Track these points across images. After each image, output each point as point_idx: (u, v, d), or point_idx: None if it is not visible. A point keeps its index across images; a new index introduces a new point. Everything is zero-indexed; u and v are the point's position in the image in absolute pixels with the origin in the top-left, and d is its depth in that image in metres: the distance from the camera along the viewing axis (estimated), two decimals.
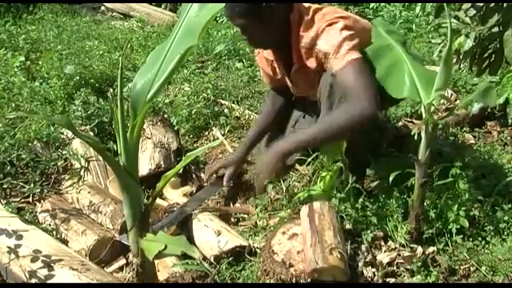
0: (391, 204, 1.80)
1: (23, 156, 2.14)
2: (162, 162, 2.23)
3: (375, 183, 1.94)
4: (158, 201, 1.99)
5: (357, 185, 1.81)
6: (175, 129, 2.54)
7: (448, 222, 1.74)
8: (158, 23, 4.23)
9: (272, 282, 1.54)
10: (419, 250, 1.67)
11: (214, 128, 2.53)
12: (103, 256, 1.76)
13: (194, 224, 1.86)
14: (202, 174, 2.28)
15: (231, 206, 2.10)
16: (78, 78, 2.78)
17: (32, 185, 2.07)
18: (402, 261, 1.65)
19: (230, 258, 1.69)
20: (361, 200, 1.80)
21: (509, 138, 2.40)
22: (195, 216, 1.89)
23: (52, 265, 1.59)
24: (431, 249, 1.69)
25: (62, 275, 1.56)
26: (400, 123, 2.54)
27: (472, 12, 2.12)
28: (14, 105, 2.56)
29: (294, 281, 1.53)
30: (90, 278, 1.56)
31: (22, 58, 3.02)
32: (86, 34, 3.84)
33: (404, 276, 1.63)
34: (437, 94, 1.56)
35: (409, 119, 2.57)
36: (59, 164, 2.20)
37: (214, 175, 2.17)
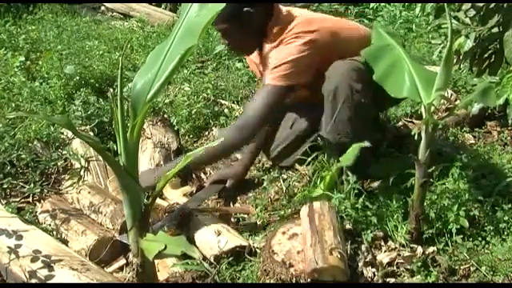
0: (391, 204, 1.81)
1: (23, 156, 2.14)
2: (162, 162, 2.23)
3: (375, 183, 1.94)
4: (158, 201, 1.98)
5: (357, 185, 1.81)
6: (175, 129, 2.54)
7: (448, 222, 1.74)
8: (158, 23, 4.23)
9: (272, 281, 1.54)
10: (419, 250, 1.67)
11: (213, 128, 2.53)
12: (103, 256, 1.75)
13: (194, 224, 1.85)
14: (202, 174, 2.28)
15: (231, 205, 2.10)
16: (78, 78, 2.78)
17: (32, 185, 2.07)
18: (401, 261, 1.65)
19: (230, 258, 1.69)
20: (361, 200, 1.80)
21: (509, 138, 2.40)
22: (195, 216, 1.89)
23: (52, 265, 1.59)
24: (431, 249, 1.69)
25: (62, 275, 1.56)
26: (400, 123, 2.54)
27: (472, 13, 2.12)
28: (13, 105, 2.56)
29: (294, 281, 1.53)
30: (90, 278, 1.55)
31: (22, 58, 3.02)
32: (86, 34, 3.83)
33: (404, 276, 1.63)
34: (437, 94, 1.56)
35: (409, 119, 2.57)
36: (59, 164, 2.20)
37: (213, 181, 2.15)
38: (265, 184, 2.07)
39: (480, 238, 1.74)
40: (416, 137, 1.62)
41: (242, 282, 1.63)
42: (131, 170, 1.32)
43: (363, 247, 1.69)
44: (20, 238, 1.68)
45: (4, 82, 2.77)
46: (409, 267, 1.63)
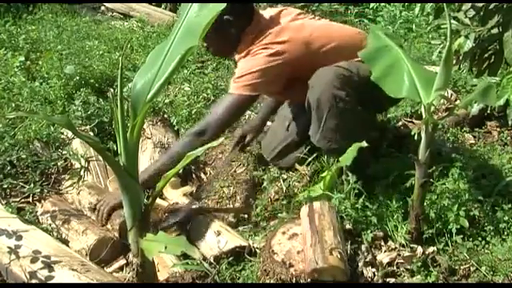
0: (391, 204, 1.81)
1: (23, 156, 2.14)
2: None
3: (375, 183, 1.94)
4: (158, 200, 1.98)
5: (357, 185, 1.81)
6: (175, 129, 2.54)
7: (448, 222, 1.74)
8: (158, 23, 4.23)
9: (272, 281, 1.55)
10: (419, 250, 1.67)
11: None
12: (103, 256, 1.75)
13: (194, 224, 1.85)
14: (202, 174, 2.28)
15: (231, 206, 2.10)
16: (78, 77, 2.78)
17: (32, 185, 2.06)
18: (402, 261, 1.65)
19: (230, 258, 1.69)
20: (361, 200, 1.80)
21: (509, 138, 2.40)
22: (195, 216, 1.89)
23: (52, 265, 1.59)
24: (431, 249, 1.69)
25: (62, 275, 1.56)
26: (400, 123, 2.54)
27: (471, 13, 2.12)
28: (13, 105, 2.56)
29: (294, 281, 1.53)
30: (90, 278, 1.55)
31: (22, 58, 3.02)
32: (86, 34, 3.83)
33: (404, 276, 1.63)
34: (437, 94, 1.56)
35: (409, 119, 2.57)
36: (59, 164, 2.20)
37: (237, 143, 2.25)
38: (265, 184, 2.07)
39: (480, 238, 1.74)
40: (416, 137, 1.62)
41: (242, 282, 1.63)
42: (131, 170, 1.32)
43: (363, 247, 1.69)
44: (20, 238, 1.68)
45: (4, 82, 2.77)
46: (409, 267, 1.63)
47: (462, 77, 2.81)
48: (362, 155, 1.65)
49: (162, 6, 4.78)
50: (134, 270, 1.38)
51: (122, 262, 1.78)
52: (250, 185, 2.15)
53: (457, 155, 1.98)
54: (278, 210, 1.94)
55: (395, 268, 1.65)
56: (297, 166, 2.13)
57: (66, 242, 1.79)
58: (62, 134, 2.36)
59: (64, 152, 2.25)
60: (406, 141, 2.19)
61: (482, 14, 2.10)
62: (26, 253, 1.63)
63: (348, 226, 1.75)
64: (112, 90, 2.72)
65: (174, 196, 2.11)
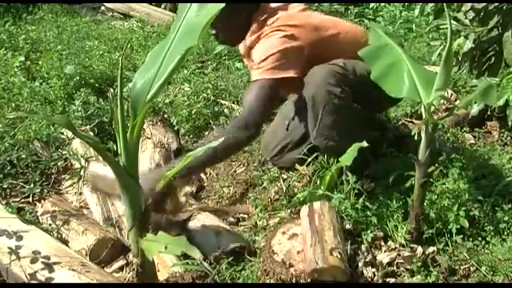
0: (391, 204, 1.81)
1: (23, 156, 2.14)
2: (161, 162, 2.23)
3: (375, 183, 1.94)
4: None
5: (357, 185, 1.81)
6: (175, 129, 2.54)
7: (448, 222, 1.74)
8: (158, 23, 4.23)
9: (272, 281, 1.54)
10: (419, 250, 1.67)
11: (214, 128, 2.53)
12: (103, 256, 1.75)
13: (194, 224, 1.85)
14: (202, 174, 2.28)
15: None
16: (78, 78, 2.78)
17: (32, 185, 2.07)
18: (402, 261, 1.65)
19: (230, 258, 1.69)
20: (361, 200, 1.80)
21: (509, 138, 2.40)
22: (195, 216, 1.89)
23: (52, 265, 1.59)
24: (431, 249, 1.69)
25: (62, 275, 1.56)
26: (400, 123, 2.54)
27: (471, 15, 2.12)
28: (14, 105, 2.56)
29: (294, 281, 1.53)
30: (90, 278, 1.55)
31: (22, 58, 3.02)
32: (86, 34, 3.83)
33: (404, 276, 1.63)
34: (437, 94, 1.56)
35: (409, 119, 2.57)
36: (59, 164, 2.20)
37: None
38: (265, 184, 2.07)
39: (480, 238, 1.74)
40: (416, 137, 1.62)
41: (242, 282, 1.63)
42: (131, 170, 1.32)
43: (363, 247, 1.69)
44: (20, 238, 1.69)
45: (4, 82, 2.77)
46: (409, 267, 1.63)
47: (461, 77, 2.81)
48: (360, 155, 1.65)
49: (162, 6, 4.78)
50: (133, 270, 1.38)
51: (122, 262, 1.78)
52: (249, 185, 2.15)
53: (457, 155, 1.98)
54: (278, 209, 1.94)
55: (395, 268, 1.64)
56: (297, 166, 2.13)
57: (66, 242, 1.79)
58: (62, 134, 2.36)
59: (64, 152, 2.25)
60: (406, 141, 2.19)
61: (481, 15, 2.10)
62: (26, 253, 1.63)
63: (348, 226, 1.75)
64: (112, 90, 2.72)
65: None
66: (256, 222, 1.91)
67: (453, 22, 2.10)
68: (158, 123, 2.51)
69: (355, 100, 1.87)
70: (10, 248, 1.64)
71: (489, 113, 2.54)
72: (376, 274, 1.62)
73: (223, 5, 1.29)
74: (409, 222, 1.72)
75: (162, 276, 1.64)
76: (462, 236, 1.73)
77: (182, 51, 1.28)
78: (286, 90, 2.16)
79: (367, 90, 1.69)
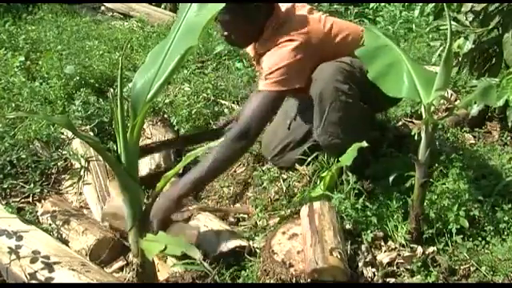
0: (391, 204, 1.81)
1: (23, 156, 2.14)
2: (162, 162, 2.23)
3: (375, 183, 1.94)
4: None
5: (357, 185, 1.81)
6: (175, 129, 2.54)
7: (448, 222, 1.74)
8: (158, 23, 4.23)
9: (272, 281, 1.54)
10: (419, 250, 1.67)
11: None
12: (103, 256, 1.75)
13: (194, 224, 1.85)
14: None
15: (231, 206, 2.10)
16: (78, 78, 2.79)
17: (32, 185, 2.07)
18: (402, 261, 1.65)
19: (230, 258, 1.69)
20: (361, 200, 1.80)
21: (509, 138, 2.40)
22: (195, 216, 1.89)
23: (52, 265, 1.59)
24: (431, 249, 1.69)
25: (62, 275, 1.56)
26: (400, 123, 2.54)
27: (471, 15, 2.12)
28: (14, 105, 2.56)
29: (294, 281, 1.53)
30: (90, 278, 1.55)
31: (22, 58, 3.02)
32: (86, 34, 3.83)
33: (404, 276, 1.63)
34: (437, 94, 1.56)
35: (409, 119, 2.57)
36: (59, 164, 2.20)
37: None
38: (265, 184, 2.07)
39: (480, 238, 1.74)
40: (416, 137, 1.62)
41: (242, 282, 1.63)
42: (131, 170, 1.32)
43: (363, 247, 1.69)
44: (20, 238, 1.69)
45: (4, 82, 2.77)
46: (409, 267, 1.63)
47: (461, 77, 2.81)
48: (361, 155, 1.65)
49: (162, 6, 4.79)
50: (133, 270, 1.38)
51: (122, 262, 1.78)
52: (250, 185, 2.15)
53: (457, 155, 1.98)
54: (277, 209, 1.94)
55: (395, 268, 1.64)
56: (297, 166, 2.13)
57: (66, 242, 1.79)
58: (62, 134, 2.36)
59: (64, 152, 2.25)
60: (406, 141, 2.19)
61: (481, 16, 2.10)
62: (26, 253, 1.63)
63: (348, 226, 1.75)
64: (112, 90, 2.72)
65: None
66: (256, 222, 1.91)
67: (453, 22, 2.10)
68: (158, 123, 2.51)
69: (361, 98, 1.87)
70: (9, 248, 1.64)
71: (489, 114, 2.54)
72: (376, 273, 1.62)
73: (223, 5, 1.29)
74: (409, 221, 1.72)
75: (162, 276, 1.64)
76: (462, 236, 1.73)
77: (182, 51, 1.28)
78: (291, 95, 2.17)
79: (371, 88, 1.69)
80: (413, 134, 1.63)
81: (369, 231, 1.73)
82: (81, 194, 2.09)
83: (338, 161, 1.76)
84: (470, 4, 2.16)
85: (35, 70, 3.03)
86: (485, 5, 2.11)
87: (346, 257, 1.58)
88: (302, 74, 1.87)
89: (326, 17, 2.01)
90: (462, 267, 1.65)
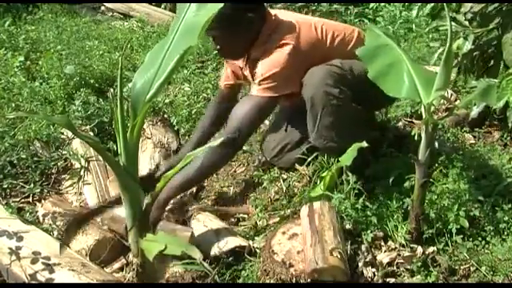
0: (391, 204, 1.80)
1: (23, 156, 2.14)
2: (161, 162, 2.23)
3: (375, 183, 1.94)
4: None
5: (357, 185, 1.81)
6: (175, 129, 2.54)
7: (448, 222, 1.74)
8: (158, 23, 4.23)
9: (272, 281, 1.54)
10: (419, 250, 1.67)
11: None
12: (103, 256, 1.75)
13: (194, 224, 1.85)
14: None
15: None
16: (78, 78, 2.79)
17: (32, 185, 2.07)
18: (402, 261, 1.65)
19: (230, 258, 1.69)
20: (361, 200, 1.79)
21: (509, 138, 2.40)
22: (195, 216, 1.89)
23: (52, 265, 1.59)
24: (431, 249, 1.69)
25: (62, 275, 1.56)
26: (400, 123, 2.54)
27: (470, 15, 2.12)
28: (14, 105, 2.56)
29: (294, 281, 1.53)
30: (90, 278, 1.56)
31: (22, 58, 3.02)
32: (86, 34, 3.83)
33: (404, 276, 1.63)
34: (437, 94, 1.56)
35: (409, 119, 2.57)
36: (59, 164, 2.21)
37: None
38: (265, 184, 2.07)
39: (480, 238, 1.74)
40: (416, 137, 1.62)
41: (242, 282, 1.63)
42: (131, 170, 1.33)
43: (363, 247, 1.69)
44: (20, 238, 1.69)
45: (4, 82, 2.77)
46: (409, 267, 1.63)
47: (461, 77, 2.80)
48: (360, 155, 1.65)
49: (162, 6, 4.78)
50: (133, 270, 1.38)
51: (122, 262, 1.78)
52: (249, 185, 2.15)
53: (457, 155, 1.98)
54: (278, 209, 1.94)
55: (395, 268, 1.64)
56: (297, 166, 2.13)
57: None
58: (62, 133, 2.36)
59: (64, 152, 2.25)
60: (406, 141, 2.18)
61: (478, 16, 2.10)
62: (26, 253, 1.63)
63: (348, 226, 1.75)
64: (112, 90, 2.72)
65: None
66: (256, 222, 1.91)
67: (452, 23, 2.10)
68: (158, 123, 2.51)
69: (354, 100, 1.87)
70: (10, 248, 1.64)
71: (489, 115, 2.52)
72: (376, 273, 1.61)
73: (221, 5, 1.29)
74: (409, 221, 1.72)
75: None
76: (462, 236, 1.73)
77: (181, 51, 1.28)
78: (284, 99, 2.17)
79: (365, 89, 1.69)
80: (413, 134, 1.63)
81: (369, 231, 1.73)
82: (81, 194, 2.09)
83: (338, 161, 1.76)
84: (469, 4, 2.15)
85: (35, 70, 3.03)
86: (483, 5, 2.11)
87: (346, 257, 1.58)
88: (295, 79, 1.87)
89: (316, 21, 2.00)
90: (462, 267, 1.65)
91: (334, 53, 1.92)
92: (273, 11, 1.99)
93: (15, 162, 2.13)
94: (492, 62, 2.20)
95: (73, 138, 2.33)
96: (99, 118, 2.46)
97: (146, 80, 1.32)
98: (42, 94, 2.69)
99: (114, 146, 2.16)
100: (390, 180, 1.90)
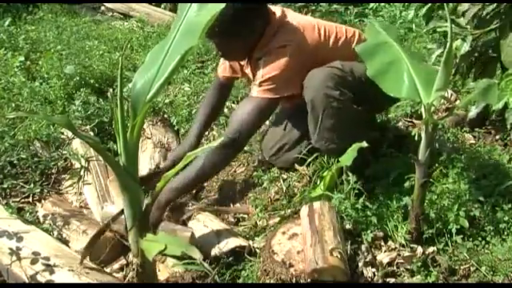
0: (391, 204, 1.81)
1: (23, 156, 2.14)
2: (161, 162, 2.23)
3: (375, 183, 1.94)
4: None
5: (357, 185, 1.81)
6: (175, 129, 2.54)
7: (448, 222, 1.74)
8: (158, 23, 4.23)
9: (272, 281, 1.54)
10: (419, 250, 1.67)
11: (214, 127, 2.53)
12: (103, 256, 1.75)
13: (194, 224, 1.85)
14: None
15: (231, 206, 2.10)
16: (78, 78, 2.78)
17: (32, 185, 2.07)
18: (402, 261, 1.65)
19: (230, 258, 1.69)
20: (361, 200, 1.80)
21: (509, 138, 2.40)
22: (195, 216, 1.89)
23: (52, 265, 1.59)
24: (431, 249, 1.69)
25: (62, 275, 1.56)
26: (400, 123, 2.54)
27: (468, 17, 2.11)
28: (14, 105, 2.56)
29: (294, 281, 1.53)
30: (90, 278, 1.56)
31: (22, 58, 3.02)
32: (86, 34, 3.83)
33: (404, 276, 1.63)
34: (437, 94, 1.55)
35: (409, 119, 2.57)
36: (59, 164, 2.20)
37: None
38: (265, 184, 2.07)
39: (480, 238, 1.74)
40: (416, 137, 1.62)
41: (242, 282, 1.63)
42: (131, 170, 1.32)
43: (363, 247, 1.69)
44: (20, 238, 1.69)
45: (4, 82, 2.77)
46: (409, 267, 1.63)
47: (459, 78, 2.80)
48: (361, 155, 1.65)
49: (162, 6, 4.78)
50: (133, 270, 1.38)
51: (122, 262, 1.78)
52: (249, 185, 2.15)
53: (457, 155, 1.98)
54: (278, 209, 1.94)
55: (395, 268, 1.64)
56: (297, 166, 2.13)
57: (66, 243, 1.79)
58: (62, 133, 2.36)
59: (64, 152, 2.25)
60: (406, 141, 2.18)
61: (475, 18, 2.09)
62: (26, 253, 1.63)
63: (348, 226, 1.75)
64: (112, 90, 2.72)
65: None
66: (256, 222, 1.91)
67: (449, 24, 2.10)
68: (158, 123, 2.51)
69: (355, 101, 1.87)
70: (10, 248, 1.64)
71: (488, 117, 2.52)
72: (376, 273, 1.62)
73: (223, 5, 1.28)
74: (409, 222, 1.72)
75: (162, 276, 1.64)
76: (462, 236, 1.73)
77: (182, 51, 1.28)
78: (285, 100, 2.17)
79: (366, 90, 1.69)
80: (413, 134, 1.63)
81: (369, 231, 1.73)
82: (81, 194, 2.09)
83: (338, 161, 1.76)
84: (467, 4, 2.15)
85: (35, 70, 3.03)
86: (480, 6, 2.10)
87: (346, 257, 1.58)
88: (297, 81, 1.87)
89: (319, 23, 2.00)
90: (462, 267, 1.65)
91: (336, 55, 1.92)
92: (275, 8, 1.98)
93: (15, 162, 2.13)
94: (489, 64, 2.20)
95: (73, 138, 2.33)
96: (99, 118, 2.46)
97: (146, 80, 1.32)
98: (41, 94, 2.69)
99: (114, 146, 2.16)
100: (390, 180, 1.90)
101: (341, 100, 1.82)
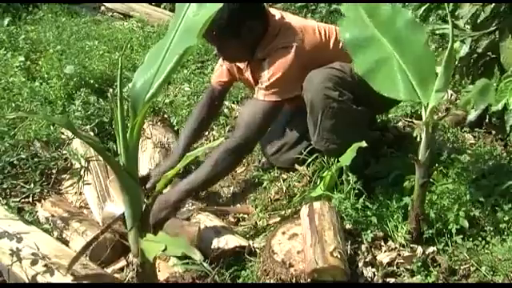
0: (391, 204, 1.81)
1: (23, 156, 2.14)
2: (162, 163, 2.23)
3: (375, 183, 1.94)
4: None
5: (357, 185, 1.81)
6: (175, 129, 2.54)
7: (448, 222, 1.74)
8: (158, 23, 4.23)
9: (272, 281, 1.55)
10: (419, 249, 1.67)
11: (214, 127, 2.53)
12: (103, 256, 1.75)
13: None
14: None
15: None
16: (77, 78, 2.78)
17: (32, 185, 2.06)
18: (402, 261, 1.65)
19: (230, 258, 1.69)
20: (361, 200, 1.80)
21: (509, 138, 2.40)
22: (195, 216, 1.89)
23: (52, 265, 1.59)
24: (431, 249, 1.69)
25: (62, 276, 1.56)
26: (400, 123, 2.54)
27: (466, 18, 2.11)
28: (13, 105, 2.56)
29: (294, 281, 1.53)
30: (90, 278, 1.55)
31: (22, 58, 3.02)
32: (86, 34, 3.84)
33: (404, 276, 1.63)
34: (437, 95, 1.55)
35: (409, 119, 2.57)
36: (59, 164, 2.20)
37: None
38: (265, 184, 2.07)
39: (480, 238, 1.74)
40: (418, 138, 1.62)
41: (242, 282, 1.63)
42: (131, 170, 1.32)
43: (363, 247, 1.69)
44: (20, 238, 1.68)
45: (4, 82, 2.77)
46: (409, 267, 1.63)
47: (457, 79, 2.80)
48: (361, 155, 1.65)
49: (162, 6, 4.78)
50: (133, 270, 1.38)
51: (123, 262, 1.78)
52: (249, 185, 2.15)
53: (457, 155, 1.98)
54: (278, 209, 1.94)
55: (395, 268, 1.64)
56: (297, 166, 2.13)
57: (66, 243, 1.79)
58: (62, 133, 2.36)
59: (64, 152, 2.25)
60: (406, 141, 2.19)
61: (478, 19, 2.09)
62: (26, 253, 1.62)
63: (348, 226, 1.75)
64: (112, 90, 2.72)
65: None
66: (256, 222, 1.91)
67: (448, 26, 2.10)
68: (158, 123, 2.51)
69: (354, 102, 1.87)
70: (10, 248, 1.64)
71: (487, 120, 2.51)
72: (376, 274, 1.62)
73: (222, 4, 1.28)
74: (409, 222, 1.72)
75: (162, 276, 1.64)
76: (461, 236, 1.73)
77: (181, 51, 1.28)
78: (288, 102, 2.17)
79: (366, 91, 1.68)
80: (414, 135, 1.62)
81: (369, 231, 1.73)
82: (81, 194, 2.09)
83: (338, 161, 1.76)
84: (466, 6, 2.14)
85: (35, 70, 3.03)
86: (479, 6, 2.09)
87: (346, 257, 1.58)
88: (299, 83, 1.87)
89: (319, 25, 2.01)
90: (462, 267, 1.65)
91: (336, 56, 1.92)
92: (274, 11, 1.98)
93: (15, 162, 2.13)
94: (488, 66, 2.20)
95: (73, 138, 2.33)
96: (99, 118, 2.46)
97: (146, 80, 1.32)
98: (41, 94, 2.69)
99: (114, 146, 2.16)
100: (390, 180, 1.90)
101: (340, 101, 1.82)
